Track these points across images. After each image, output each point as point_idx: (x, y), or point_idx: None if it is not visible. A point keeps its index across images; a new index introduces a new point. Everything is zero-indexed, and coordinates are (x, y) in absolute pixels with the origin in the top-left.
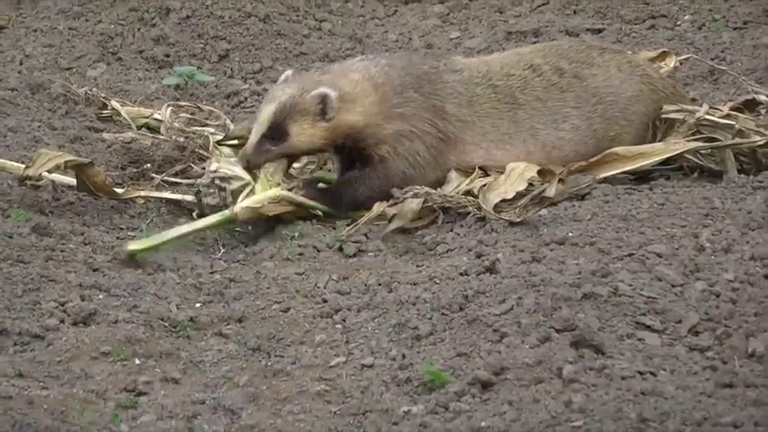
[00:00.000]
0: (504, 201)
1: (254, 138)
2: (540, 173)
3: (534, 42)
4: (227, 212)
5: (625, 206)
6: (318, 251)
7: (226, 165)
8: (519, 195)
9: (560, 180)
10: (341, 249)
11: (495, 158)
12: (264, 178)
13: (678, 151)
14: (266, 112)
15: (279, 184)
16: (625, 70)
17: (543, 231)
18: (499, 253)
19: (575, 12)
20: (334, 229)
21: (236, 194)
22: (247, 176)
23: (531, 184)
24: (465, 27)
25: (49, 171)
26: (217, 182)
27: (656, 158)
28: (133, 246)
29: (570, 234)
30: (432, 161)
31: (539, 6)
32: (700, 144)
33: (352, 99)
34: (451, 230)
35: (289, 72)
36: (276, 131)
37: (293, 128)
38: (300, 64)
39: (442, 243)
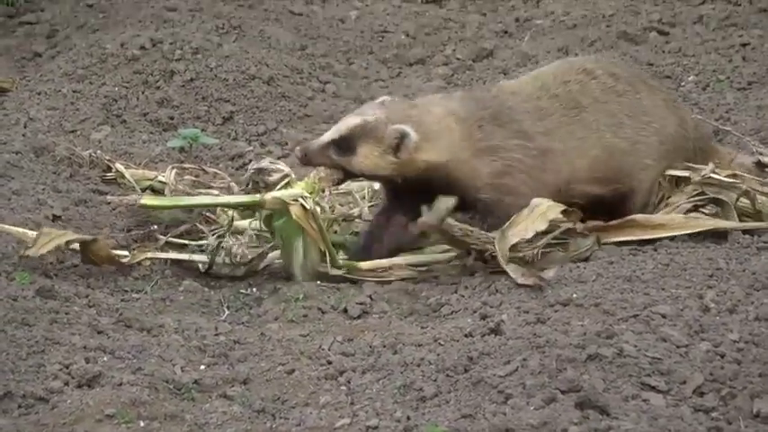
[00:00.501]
0: (523, 240)
1: (324, 138)
2: (564, 212)
3: None
4: (256, 196)
5: (629, 267)
6: (323, 312)
7: (270, 160)
8: (539, 235)
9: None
10: (345, 311)
11: (578, 168)
12: (312, 179)
13: (699, 229)
14: (347, 123)
15: (322, 191)
16: (670, 107)
17: (548, 292)
18: (504, 314)
19: None
20: (339, 290)
21: (272, 185)
22: (288, 170)
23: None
24: (469, 89)
25: (50, 252)
26: (259, 175)
27: (675, 233)
28: (146, 200)
29: (575, 295)
30: (534, 185)
31: None
32: (722, 223)
33: (435, 137)
34: (456, 292)
35: (387, 98)
36: (346, 144)
37: (362, 149)
38: (305, 126)
39: (446, 304)
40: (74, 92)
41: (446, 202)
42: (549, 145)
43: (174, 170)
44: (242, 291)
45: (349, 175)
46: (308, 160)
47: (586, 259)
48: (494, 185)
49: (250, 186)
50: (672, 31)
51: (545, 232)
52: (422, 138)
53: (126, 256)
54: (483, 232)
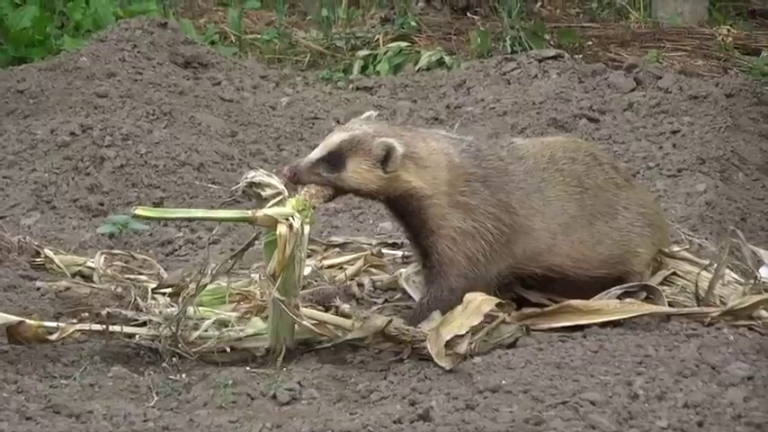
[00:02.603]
0: (457, 337)
1: (312, 156)
2: (498, 305)
3: None
4: (248, 213)
5: (559, 354)
6: (252, 398)
7: (263, 173)
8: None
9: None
10: (274, 397)
11: (558, 244)
12: (302, 196)
13: (635, 314)
14: (334, 139)
15: (314, 208)
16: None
17: (477, 379)
18: (433, 400)
19: None
20: (269, 376)
21: (264, 202)
22: (282, 187)
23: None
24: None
25: None
26: (251, 188)
27: (611, 317)
28: (140, 211)
29: (504, 382)
30: (493, 256)
31: None
32: (655, 308)
33: (423, 165)
34: (385, 378)
35: (373, 113)
36: (335, 160)
37: (351, 163)
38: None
39: (375, 390)
40: (3, 177)
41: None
42: (528, 224)
43: (104, 256)
44: (171, 377)
45: (339, 191)
46: (297, 179)
47: (515, 345)
48: (455, 242)
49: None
50: (602, 118)
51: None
52: (409, 158)
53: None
54: (418, 331)
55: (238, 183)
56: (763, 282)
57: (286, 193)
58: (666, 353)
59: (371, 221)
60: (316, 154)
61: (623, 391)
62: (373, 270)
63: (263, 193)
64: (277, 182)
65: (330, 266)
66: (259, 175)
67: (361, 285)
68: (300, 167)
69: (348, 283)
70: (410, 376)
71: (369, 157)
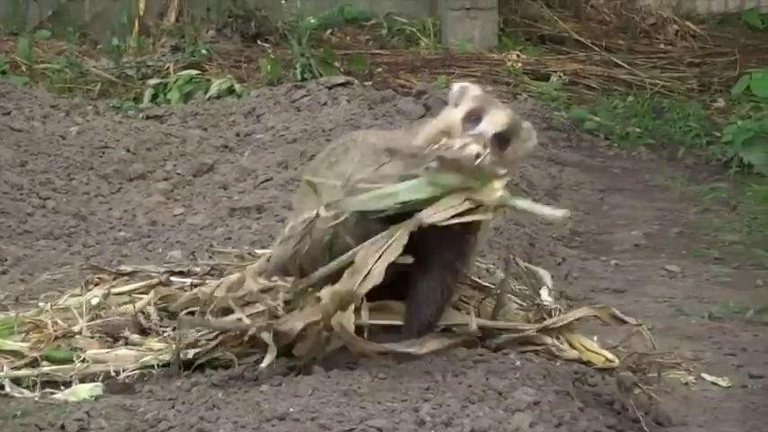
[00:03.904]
0: None
1: (486, 128)
2: None
3: (257, 218)
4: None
5: (346, 381)
6: (41, 429)
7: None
8: None
9: None
10: (63, 427)
11: None
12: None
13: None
14: (502, 115)
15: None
16: None
17: (264, 407)
18: (221, 429)
19: (297, 187)
20: (58, 406)
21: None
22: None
23: None
24: (189, 203)
25: None
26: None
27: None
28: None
29: (291, 409)
30: None
31: (262, 183)
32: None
33: None
34: (173, 407)
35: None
36: (502, 139)
37: (513, 143)
38: (24, 242)
39: (164, 420)
40: None
41: None
42: None
43: None
44: None
45: None
46: (479, 166)
47: (306, 372)
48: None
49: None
50: None
51: None
52: None
53: None
54: None
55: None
56: (545, 304)
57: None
58: (453, 379)
59: (161, 250)
60: (488, 128)
61: (410, 417)
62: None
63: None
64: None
65: (119, 294)
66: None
67: (147, 315)
68: (485, 140)
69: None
70: (198, 405)
71: (518, 141)
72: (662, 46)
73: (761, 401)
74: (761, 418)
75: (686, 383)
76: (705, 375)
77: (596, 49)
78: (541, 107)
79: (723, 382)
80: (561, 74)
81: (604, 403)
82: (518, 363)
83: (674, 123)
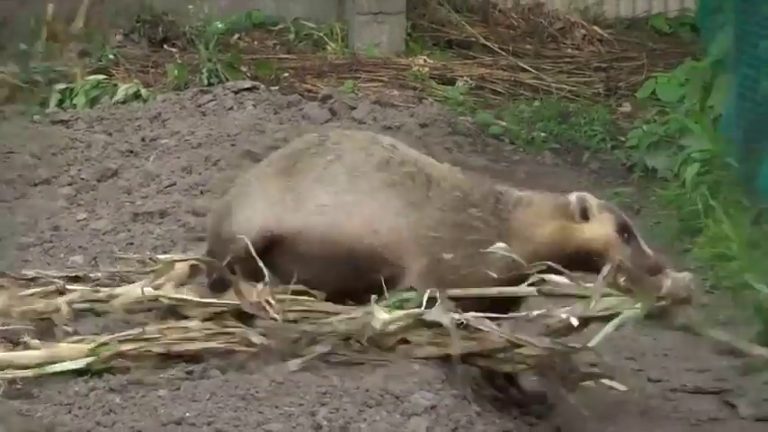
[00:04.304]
0: None
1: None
2: None
3: (160, 223)
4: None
5: (244, 386)
6: None
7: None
8: None
9: None
10: None
11: None
12: None
13: None
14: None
15: None
16: None
17: (161, 412)
18: None
19: (201, 192)
20: None
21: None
22: None
23: None
24: (92, 208)
25: None
26: None
27: None
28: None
29: (188, 414)
30: None
31: (166, 187)
32: None
33: None
34: (70, 412)
35: None
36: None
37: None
38: None
39: (60, 425)
40: None
41: None
42: None
43: None
44: None
45: None
46: None
47: (202, 377)
48: None
49: None
50: None
51: None
52: None
53: None
54: None
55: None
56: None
57: None
58: (351, 383)
59: (62, 255)
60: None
61: (307, 421)
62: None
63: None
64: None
65: (21, 298)
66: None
67: (53, 319)
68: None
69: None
70: (95, 409)
71: None
72: (569, 50)
73: (658, 405)
74: (658, 422)
75: (586, 388)
76: (604, 380)
77: (503, 53)
78: (447, 112)
79: (621, 387)
80: (468, 78)
81: (502, 408)
82: (416, 367)
83: (579, 128)
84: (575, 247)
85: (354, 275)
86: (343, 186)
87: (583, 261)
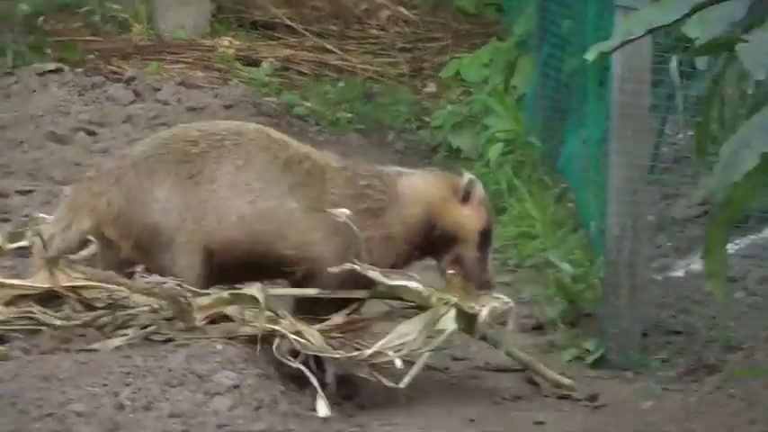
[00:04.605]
0: None
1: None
2: None
3: None
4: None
5: (47, 366)
6: None
7: None
8: None
9: None
10: None
11: None
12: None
13: None
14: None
15: None
16: None
17: None
18: None
19: (5, 174)
20: None
21: None
22: None
23: None
24: None
25: None
26: None
27: None
28: None
29: None
30: None
31: None
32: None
33: None
34: None
35: None
36: None
37: None
38: None
39: None
40: None
41: None
42: None
43: None
44: None
45: None
46: None
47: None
48: None
49: None
50: (100, 131)
51: None
52: None
53: None
54: None
55: None
56: None
57: None
58: (155, 363)
59: None
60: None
61: (110, 401)
62: None
63: None
64: None
65: None
66: None
67: None
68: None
69: None
70: None
71: None
72: (374, 31)
73: (463, 383)
74: (461, 401)
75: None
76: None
77: (308, 35)
78: (252, 93)
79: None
80: (273, 59)
81: (306, 386)
82: (219, 346)
83: (384, 108)
84: (443, 225)
85: (279, 274)
86: (257, 194)
87: (437, 243)
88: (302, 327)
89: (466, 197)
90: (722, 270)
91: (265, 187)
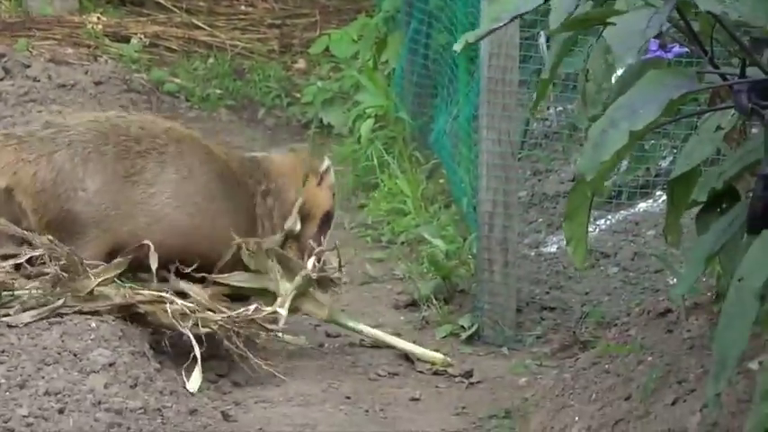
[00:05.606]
0: None
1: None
2: None
3: None
4: None
5: None
6: None
7: None
8: None
9: None
10: None
11: None
12: None
13: None
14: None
15: None
16: None
17: None
18: None
19: None
20: None
21: None
22: None
23: None
24: None
25: None
26: None
27: None
28: None
29: None
30: None
31: None
32: None
33: None
34: None
35: None
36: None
37: None
38: None
39: None
40: None
41: None
42: None
43: None
44: None
45: None
46: None
47: None
48: None
49: None
50: None
51: None
52: None
53: None
54: None
55: None
56: None
57: None
58: (29, 341)
59: None
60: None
61: None
62: None
63: None
64: None
65: None
66: None
67: None
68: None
69: None
70: None
71: None
72: (243, 8)
73: (337, 360)
74: (338, 377)
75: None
76: (283, 335)
77: (176, 11)
78: (121, 69)
79: (300, 341)
80: (142, 36)
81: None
82: (93, 324)
83: (254, 85)
84: (305, 201)
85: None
86: (198, 208)
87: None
88: (191, 288)
89: (320, 180)
90: (582, 233)
91: (205, 203)
